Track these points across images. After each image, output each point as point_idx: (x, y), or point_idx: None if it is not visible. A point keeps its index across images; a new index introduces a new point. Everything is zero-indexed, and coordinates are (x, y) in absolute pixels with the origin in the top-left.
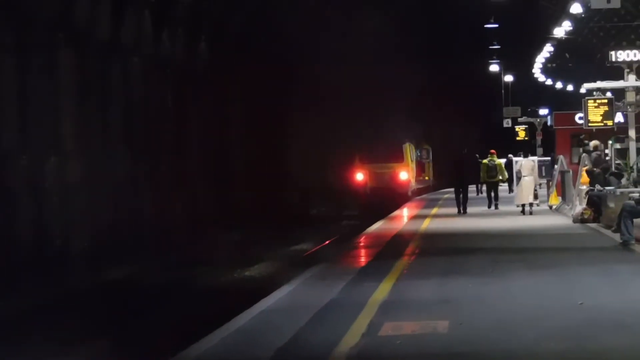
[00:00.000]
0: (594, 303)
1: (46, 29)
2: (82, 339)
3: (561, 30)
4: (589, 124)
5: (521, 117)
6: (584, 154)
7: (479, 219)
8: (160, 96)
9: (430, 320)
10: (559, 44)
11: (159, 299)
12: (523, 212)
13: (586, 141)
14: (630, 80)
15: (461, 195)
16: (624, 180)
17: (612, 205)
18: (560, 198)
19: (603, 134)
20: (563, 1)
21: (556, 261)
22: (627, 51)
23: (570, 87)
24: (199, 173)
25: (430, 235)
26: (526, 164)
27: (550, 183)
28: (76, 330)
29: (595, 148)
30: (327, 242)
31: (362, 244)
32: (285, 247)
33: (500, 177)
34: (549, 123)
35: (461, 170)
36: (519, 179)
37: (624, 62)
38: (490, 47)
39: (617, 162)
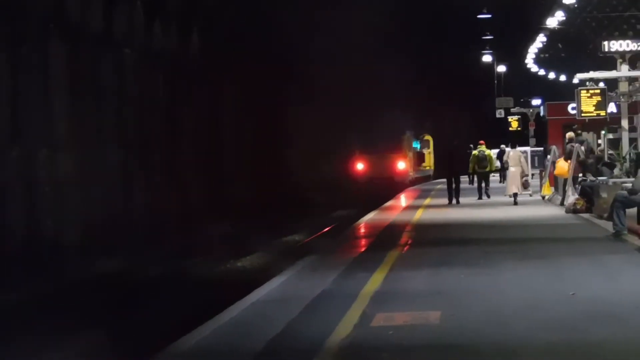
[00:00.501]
0: (586, 294)
1: (38, 22)
2: (73, 332)
3: (554, 20)
4: (582, 114)
5: (514, 107)
6: (576, 144)
7: (471, 210)
8: (154, 89)
9: (422, 311)
10: (551, 34)
11: (150, 291)
12: (515, 202)
13: (579, 132)
14: (623, 70)
15: (453, 186)
16: (616, 171)
17: (604, 195)
18: (552, 188)
19: (596, 124)
20: None
21: (548, 252)
22: (620, 41)
23: (563, 78)
24: (193, 166)
25: (423, 226)
26: (513, 155)
27: (543, 173)
28: (67, 324)
29: (570, 140)
30: (320, 233)
31: (354, 234)
32: (278, 239)
33: (490, 168)
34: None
35: (452, 161)
36: (505, 169)
37: (616, 52)
38: (483, 37)
39: (609, 152)
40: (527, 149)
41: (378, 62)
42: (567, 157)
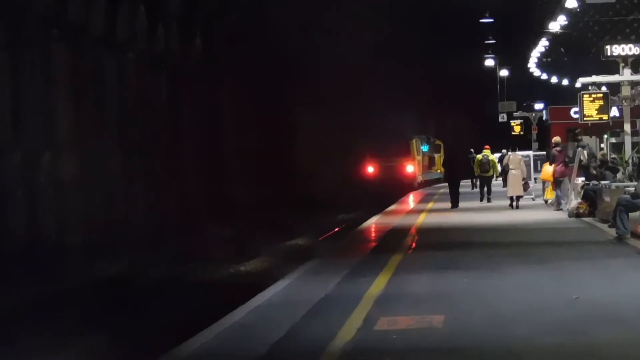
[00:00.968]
0: (589, 297)
1: (40, 24)
2: (74, 336)
3: (556, 24)
4: (584, 118)
5: (517, 111)
6: (578, 149)
7: (474, 214)
8: (156, 91)
9: (425, 315)
10: (554, 38)
11: (153, 294)
12: (511, 205)
13: (579, 137)
14: (626, 75)
15: (454, 190)
16: (619, 175)
17: (607, 199)
18: (555, 192)
19: (598, 128)
20: None
21: (551, 255)
22: (622, 45)
23: (565, 82)
24: (196, 168)
25: (426, 230)
26: (513, 158)
27: None
28: (68, 326)
29: (556, 144)
30: (323, 236)
31: (358, 238)
32: (281, 242)
33: (493, 172)
34: (544, 117)
35: (451, 165)
36: (506, 172)
37: (619, 56)
38: (486, 41)
39: (612, 156)
40: (530, 153)
41: (382, 66)
42: (552, 162)
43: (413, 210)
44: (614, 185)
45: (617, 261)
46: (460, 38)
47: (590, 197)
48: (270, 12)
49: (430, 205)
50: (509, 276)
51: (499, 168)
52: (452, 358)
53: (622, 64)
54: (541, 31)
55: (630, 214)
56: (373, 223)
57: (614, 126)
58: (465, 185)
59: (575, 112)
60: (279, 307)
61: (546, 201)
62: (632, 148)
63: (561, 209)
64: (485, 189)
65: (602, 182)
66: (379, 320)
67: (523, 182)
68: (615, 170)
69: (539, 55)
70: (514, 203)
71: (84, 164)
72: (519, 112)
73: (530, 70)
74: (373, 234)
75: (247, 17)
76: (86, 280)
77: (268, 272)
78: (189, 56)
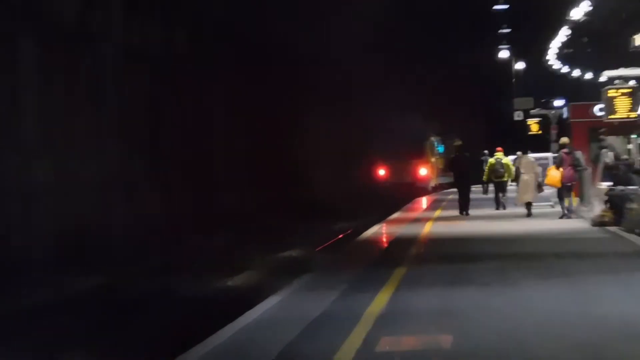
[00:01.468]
0: (614, 315)
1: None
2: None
3: (579, 11)
4: (610, 116)
5: (534, 109)
6: (602, 150)
7: (486, 222)
8: (136, 89)
9: (432, 335)
10: (576, 27)
11: (126, 312)
12: (529, 214)
13: (602, 137)
14: None
15: (463, 196)
16: None
17: (635, 206)
18: (577, 199)
19: (625, 127)
20: None
21: (572, 269)
22: None
23: (588, 75)
24: (181, 171)
25: (433, 240)
26: (525, 162)
27: None
28: (38, 350)
29: (563, 146)
30: (320, 246)
31: (358, 249)
32: (274, 253)
33: (508, 176)
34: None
35: (458, 169)
36: (517, 177)
37: None
38: (500, 31)
39: None
40: (548, 154)
41: (387, 60)
42: (559, 165)
43: (419, 218)
44: None
45: None
46: (470, 27)
47: (616, 204)
48: (268, 3)
49: (437, 212)
50: (526, 292)
51: (513, 171)
52: None
53: None
54: (562, 19)
55: None
56: (375, 232)
57: None
58: (476, 190)
59: (600, 110)
60: (269, 326)
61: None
62: None
63: (569, 217)
64: (501, 195)
65: (629, 187)
66: (380, 340)
67: (537, 186)
68: None
69: (559, 46)
70: (531, 210)
71: (56, 169)
72: (537, 109)
73: (549, 62)
74: (375, 244)
75: (240, 7)
76: (58, 297)
77: (258, 287)
78: (172, 49)
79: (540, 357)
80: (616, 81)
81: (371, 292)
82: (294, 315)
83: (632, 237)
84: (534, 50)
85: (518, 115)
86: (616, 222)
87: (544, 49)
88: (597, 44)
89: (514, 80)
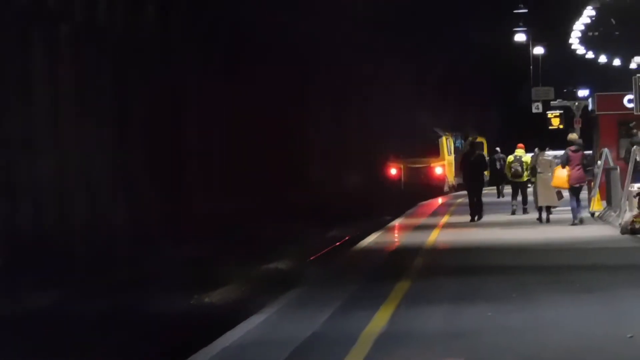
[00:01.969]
0: None
1: None
2: None
3: None
4: None
5: (555, 100)
6: (634, 147)
7: (500, 229)
8: (97, 75)
9: (440, 359)
10: (602, 6)
11: (91, 333)
12: (539, 219)
13: (633, 132)
14: None
15: (475, 199)
16: None
17: None
18: (604, 203)
19: None
20: None
21: (599, 283)
22: None
23: (617, 62)
24: (150, 170)
25: (440, 250)
26: (542, 160)
27: (592, 184)
28: None
29: (571, 142)
30: (313, 256)
31: (355, 260)
32: (259, 264)
33: (527, 176)
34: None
35: (467, 168)
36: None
37: None
38: (516, 11)
39: None
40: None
41: (394, 55)
42: (564, 164)
43: (425, 225)
44: None
45: None
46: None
47: None
48: None
49: (445, 218)
50: (546, 309)
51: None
52: None
53: None
54: None
55: None
56: (375, 241)
57: None
58: (490, 194)
59: (630, 101)
60: (253, 348)
61: (592, 214)
62: None
63: (576, 224)
64: (520, 197)
65: None
66: None
67: (556, 191)
68: None
69: (583, 28)
70: (545, 215)
71: (2, 168)
72: (558, 100)
73: (573, 47)
74: (374, 255)
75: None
76: (3, 315)
77: (241, 304)
78: (140, 29)
79: None
80: None
81: (369, 310)
82: (281, 336)
83: None
84: (555, 32)
85: (537, 107)
86: None
87: (567, 32)
88: (626, 26)
89: (532, 67)
